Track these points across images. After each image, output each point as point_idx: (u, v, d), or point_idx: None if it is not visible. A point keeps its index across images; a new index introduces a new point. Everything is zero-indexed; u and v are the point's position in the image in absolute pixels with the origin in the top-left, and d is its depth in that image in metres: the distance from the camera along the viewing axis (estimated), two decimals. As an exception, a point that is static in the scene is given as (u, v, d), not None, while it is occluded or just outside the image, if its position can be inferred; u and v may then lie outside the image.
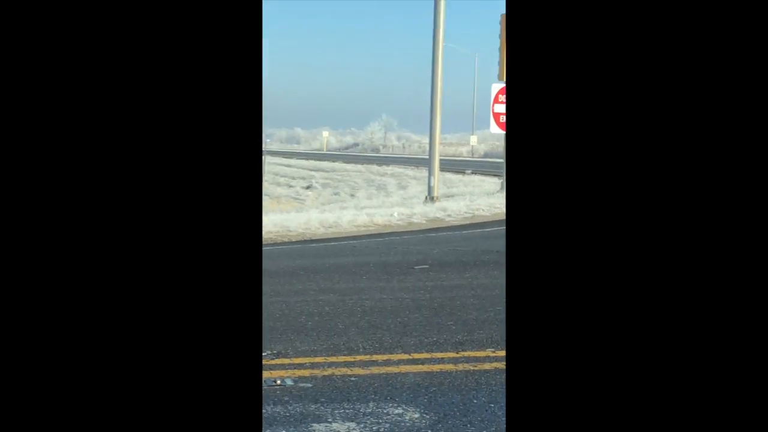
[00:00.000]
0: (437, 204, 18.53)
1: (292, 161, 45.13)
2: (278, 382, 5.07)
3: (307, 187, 26.22)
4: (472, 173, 34.00)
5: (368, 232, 14.50)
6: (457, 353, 5.67)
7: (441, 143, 21.99)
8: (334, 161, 44.85)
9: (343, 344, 6.00)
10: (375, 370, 5.33)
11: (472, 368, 5.32)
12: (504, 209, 12.68)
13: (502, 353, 5.56)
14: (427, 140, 23.00)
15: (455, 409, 4.50)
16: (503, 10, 19.95)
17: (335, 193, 24.70)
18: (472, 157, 65.65)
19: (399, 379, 5.12)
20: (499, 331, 6.22)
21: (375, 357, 5.65)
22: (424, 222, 16.01)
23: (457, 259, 10.48)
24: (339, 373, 5.26)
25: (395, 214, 16.36)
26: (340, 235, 14.03)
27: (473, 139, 71.36)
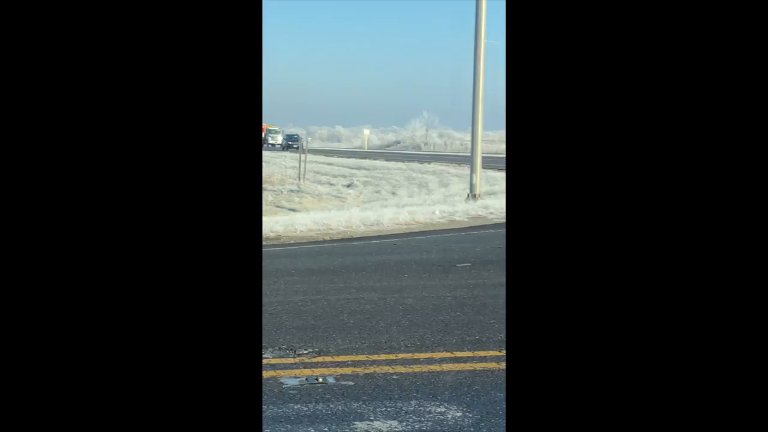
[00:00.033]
0: (479, 201, 18.45)
1: (333, 159, 45.22)
2: (320, 380, 5.08)
3: (348, 186, 26.25)
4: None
5: (410, 230, 14.48)
6: (499, 351, 5.64)
7: (483, 140, 21.89)
8: (375, 159, 44.90)
9: (385, 342, 5.99)
10: (417, 368, 5.32)
11: (514, 367, 5.28)
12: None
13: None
14: (469, 137, 22.91)
15: (498, 408, 4.47)
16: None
17: (376, 191, 24.71)
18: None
19: (441, 377, 5.10)
20: (542, 330, 6.17)
21: (417, 355, 5.64)
22: (466, 220, 15.96)
23: (500, 256, 10.42)
24: (381, 371, 5.26)
25: (437, 212, 16.32)
26: (382, 233, 14.03)
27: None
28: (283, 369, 5.34)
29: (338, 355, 5.67)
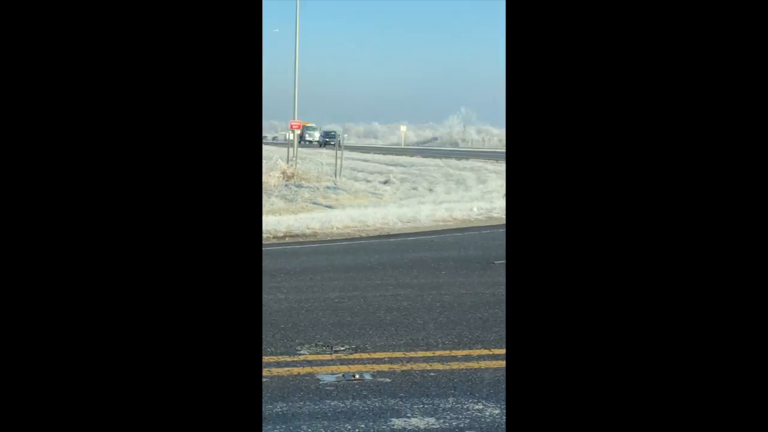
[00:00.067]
0: (516, 198, 18.29)
1: (369, 156, 45.22)
2: (357, 376, 5.07)
3: (385, 182, 26.24)
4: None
5: (447, 227, 14.44)
6: (537, 349, 5.58)
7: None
8: (412, 156, 44.85)
9: (422, 339, 5.97)
10: (455, 365, 5.29)
11: (553, 364, 5.24)
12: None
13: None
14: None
15: (536, 406, 4.43)
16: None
17: (413, 188, 24.68)
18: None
19: (479, 374, 5.07)
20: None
21: (455, 352, 5.61)
22: (504, 216, 15.88)
23: (537, 253, 10.34)
24: (418, 368, 5.23)
25: (475, 209, 16.26)
26: (419, 230, 14.00)
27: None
28: (319, 365, 5.34)
29: (375, 351, 5.66)
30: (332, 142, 50.72)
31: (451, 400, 4.60)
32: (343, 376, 5.10)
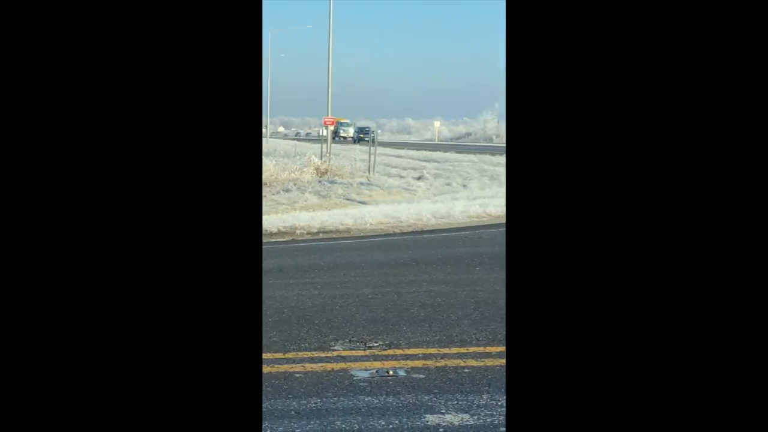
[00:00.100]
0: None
1: (403, 152, 45.18)
2: (390, 372, 5.07)
3: (419, 178, 26.21)
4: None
5: (481, 223, 14.39)
6: (572, 346, 5.55)
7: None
8: (446, 151, 44.74)
9: (456, 336, 5.95)
10: (489, 362, 5.27)
11: (588, 361, 5.20)
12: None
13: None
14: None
15: (571, 403, 4.41)
16: None
17: (447, 184, 24.62)
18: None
19: (513, 371, 5.05)
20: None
21: (489, 349, 5.59)
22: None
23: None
24: (452, 364, 5.22)
25: (508, 205, 16.15)
26: (452, 226, 13.97)
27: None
28: (353, 361, 5.35)
29: (409, 347, 5.65)
30: (366, 138, 50.73)
31: (485, 396, 4.58)
32: (376, 372, 5.10)
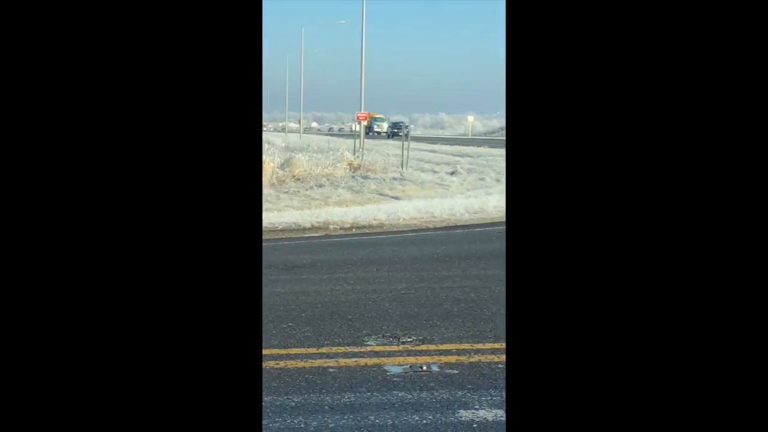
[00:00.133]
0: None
1: (436, 146, 45.06)
2: (424, 368, 5.07)
3: (452, 173, 26.14)
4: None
5: (514, 218, 14.30)
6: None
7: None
8: (479, 146, 44.57)
9: (490, 331, 5.94)
10: (522, 357, 5.25)
11: (623, 357, 5.17)
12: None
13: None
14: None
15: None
16: None
17: (480, 179, 24.53)
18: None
19: (547, 367, 5.02)
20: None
21: (522, 344, 5.56)
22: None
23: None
24: (486, 360, 5.21)
25: (542, 199, 16.06)
26: (486, 221, 13.92)
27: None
28: (386, 357, 5.35)
29: (442, 343, 5.65)
30: (400, 133, 50.69)
31: (519, 392, 4.56)
32: (410, 367, 5.10)
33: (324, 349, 5.53)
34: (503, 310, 6.56)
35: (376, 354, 5.41)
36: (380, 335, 5.90)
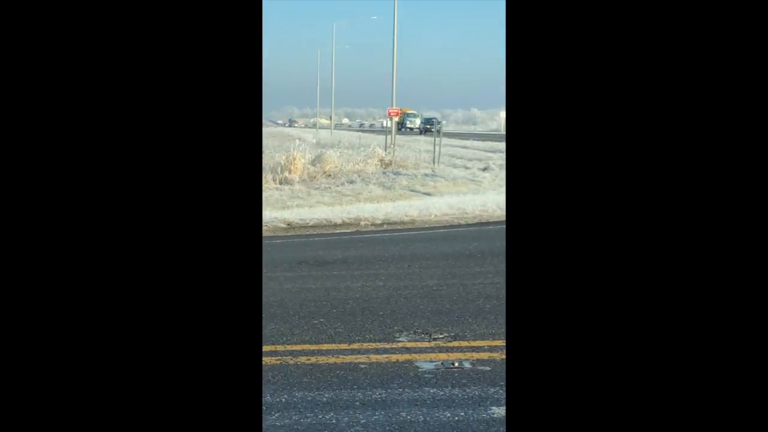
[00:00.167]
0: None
1: (468, 142, 44.96)
2: (456, 364, 5.04)
3: (484, 169, 26.05)
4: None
5: (546, 214, 14.24)
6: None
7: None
8: (511, 142, 44.18)
9: (522, 328, 5.90)
10: (555, 354, 5.21)
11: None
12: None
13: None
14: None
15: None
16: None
17: (512, 175, 24.35)
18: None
19: (580, 364, 4.99)
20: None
21: (555, 341, 5.53)
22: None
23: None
24: (518, 356, 5.17)
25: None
26: (518, 217, 13.84)
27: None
28: (418, 353, 5.34)
29: (474, 340, 5.62)
30: (432, 129, 50.67)
31: (551, 389, 4.53)
32: (442, 363, 5.08)
33: (355, 345, 5.53)
34: (536, 307, 6.52)
35: (408, 350, 5.40)
36: (412, 331, 5.88)
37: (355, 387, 4.64)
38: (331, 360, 5.18)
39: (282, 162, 22.24)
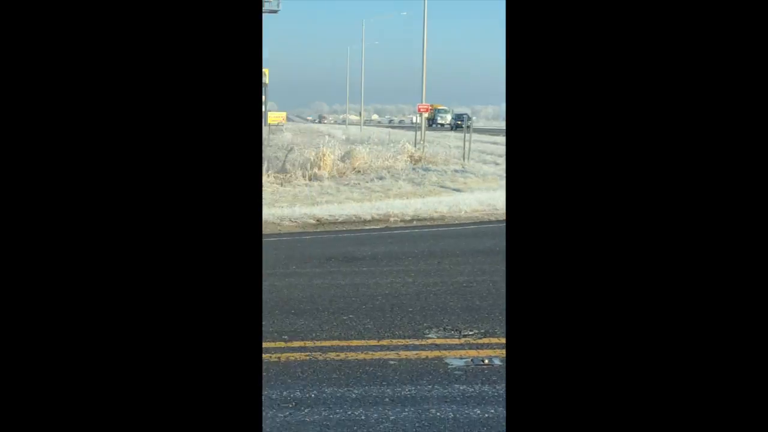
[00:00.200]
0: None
1: (498, 138, 44.83)
2: (486, 361, 5.02)
3: (514, 165, 25.88)
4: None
5: (577, 210, 14.17)
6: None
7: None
8: (541, 138, 43.93)
9: (552, 325, 5.87)
10: (586, 352, 5.18)
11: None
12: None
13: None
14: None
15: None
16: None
17: (542, 171, 24.25)
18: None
19: (611, 362, 4.95)
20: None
21: (585, 338, 5.49)
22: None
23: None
24: (548, 354, 5.15)
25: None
26: (548, 213, 13.78)
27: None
28: (447, 350, 5.32)
29: (504, 336, 5.59)
30: (463, 125, 50.60)
31: (582, 387, 4.50)
32: (471, 360, 5.06)
33: (385, 342, 5.52)
34: (566, 304, 6.48)
35: (437, 347, 5.38)
36: (441, 328, 5.86)
37: (384, 383, 4.63)
38: (361, 356, 5.17)
39: (311, 158, 22.28)
